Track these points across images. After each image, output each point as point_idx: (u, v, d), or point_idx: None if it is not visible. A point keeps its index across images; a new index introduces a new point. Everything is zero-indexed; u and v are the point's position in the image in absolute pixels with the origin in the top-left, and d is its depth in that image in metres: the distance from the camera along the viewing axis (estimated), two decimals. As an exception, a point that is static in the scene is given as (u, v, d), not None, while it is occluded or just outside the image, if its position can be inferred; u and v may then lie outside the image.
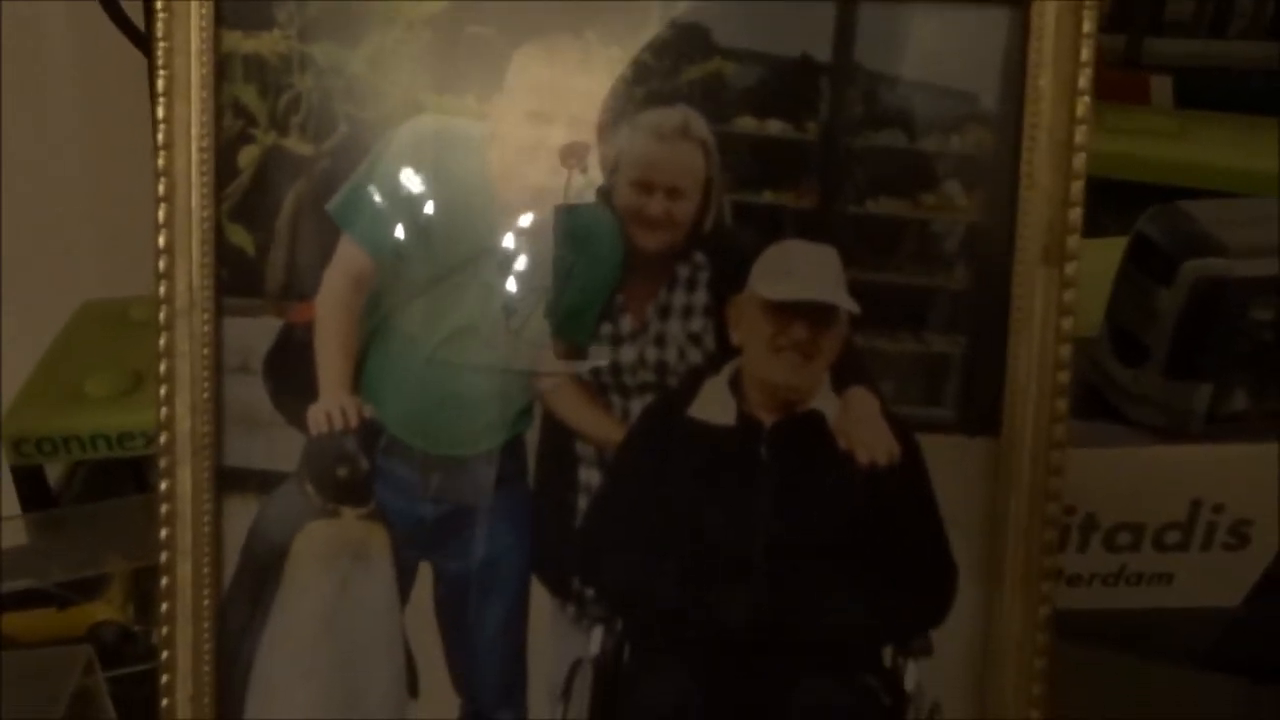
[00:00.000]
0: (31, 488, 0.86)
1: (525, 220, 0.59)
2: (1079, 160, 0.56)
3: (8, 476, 0.86)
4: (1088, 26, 0.55)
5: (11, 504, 0.86)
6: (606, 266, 0.59)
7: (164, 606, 0.61)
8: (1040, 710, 0.59)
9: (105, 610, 0.79)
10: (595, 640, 0.61)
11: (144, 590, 0.83)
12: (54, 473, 0.90)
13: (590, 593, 0.61)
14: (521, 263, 0.59)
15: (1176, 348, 0.74)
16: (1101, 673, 0.80)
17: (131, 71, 1.10)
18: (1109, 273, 0.82)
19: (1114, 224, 0.83)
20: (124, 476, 0.88)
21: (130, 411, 0.85)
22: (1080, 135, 0.56)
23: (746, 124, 0.58)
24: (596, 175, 0.58)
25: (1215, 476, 0.77)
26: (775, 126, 0.58)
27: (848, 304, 0.58)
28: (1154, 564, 0.80)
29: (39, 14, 1.14)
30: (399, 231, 0.59)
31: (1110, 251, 0.82)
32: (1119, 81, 1.34)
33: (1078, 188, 0.57)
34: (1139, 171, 1.21)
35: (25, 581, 0.77)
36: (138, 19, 1.10)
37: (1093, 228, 0.86)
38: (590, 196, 0.58)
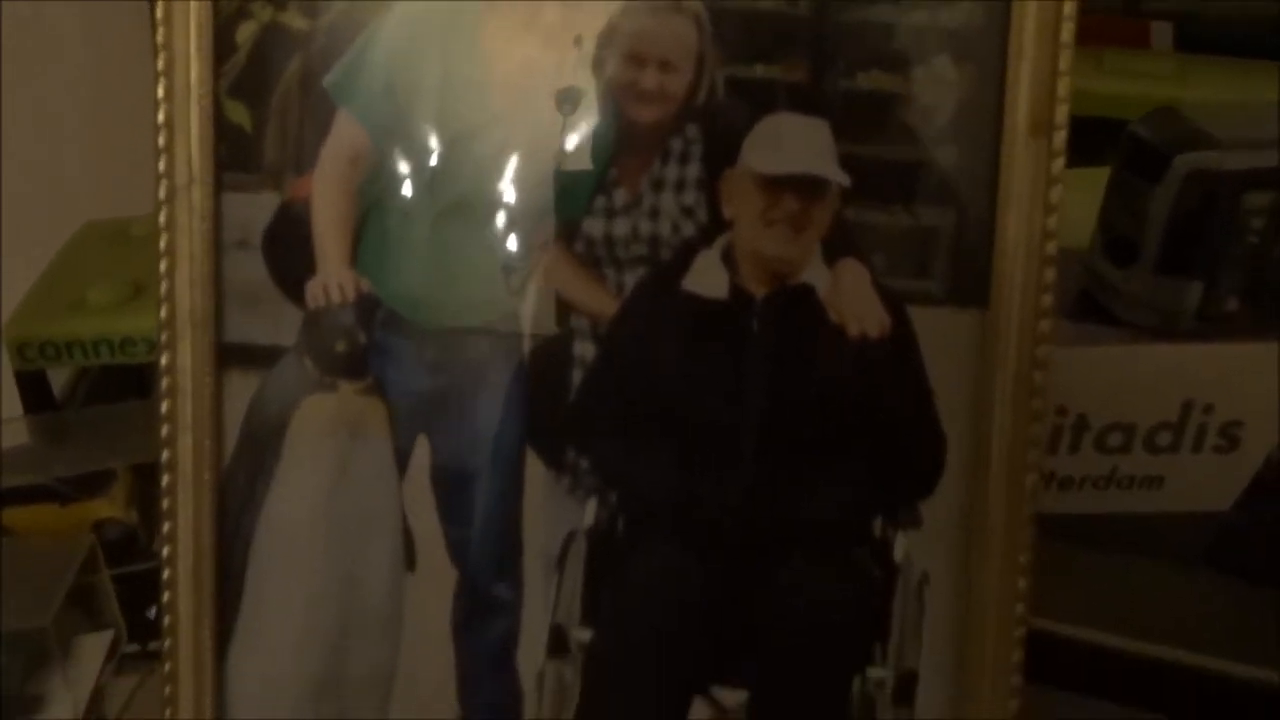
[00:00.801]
0: (35, 393, 0.87)
1: (521, 95, 0.60)
2: (1067, 30, 0.57)
3: (12, 383, 0.87)
4: (1077, -106, 0.56)
5: (15, 410, 0.87)
6: (600, 139, 0.59)
7: (165, 480, 0.63)
8: (1027, 578, 0.60)
9: (108, 508, 0.80)
10: (589, 512, 0.62)
11: (147, 492, 0.84)
12: (58, 381, 0.92)
13: (584, 464, 0.62)
14: (517, 138, 0.60)
15: (1167, 245, 0.74)
16: (1094, 573, 0.81)
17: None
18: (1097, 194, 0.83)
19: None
20: (127, 384, 0.89)
21: (131, 318, 0.86)
22: (1069, 6, 0.57)
23: (739, -4, 0.59)
24: (590, 48, 0.59)
25: (1206, 377, 0.78)
26: (767, 0, 0.59)
27: (839, 177, 0.58)
28: (1145, 466, 0.81)
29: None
30: (394, 107, 0.60)
31: (1101, 178, 0.83)
32: (1120, 28, 1.35)
33: (1066, 58, 0.57)
34: (1137, 113, 1.21)
35: (27, 477, 0.79)
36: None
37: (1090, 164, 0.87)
38: (585, 73, 0.59)
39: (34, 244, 0.99)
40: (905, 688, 0.62)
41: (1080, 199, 0.84)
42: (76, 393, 0.93)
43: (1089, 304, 0.82)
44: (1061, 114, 0.57)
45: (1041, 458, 0.60)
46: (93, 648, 0.75)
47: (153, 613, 0.79)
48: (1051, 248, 0.58)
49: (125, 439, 0.82)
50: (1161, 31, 1.34)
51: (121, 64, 1.09)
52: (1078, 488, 0.82)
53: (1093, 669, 0.77)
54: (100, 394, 0.91)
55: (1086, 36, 1.55)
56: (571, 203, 0.60)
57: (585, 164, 0.60)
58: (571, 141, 0.60)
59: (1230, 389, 0.78)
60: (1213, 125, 0.74)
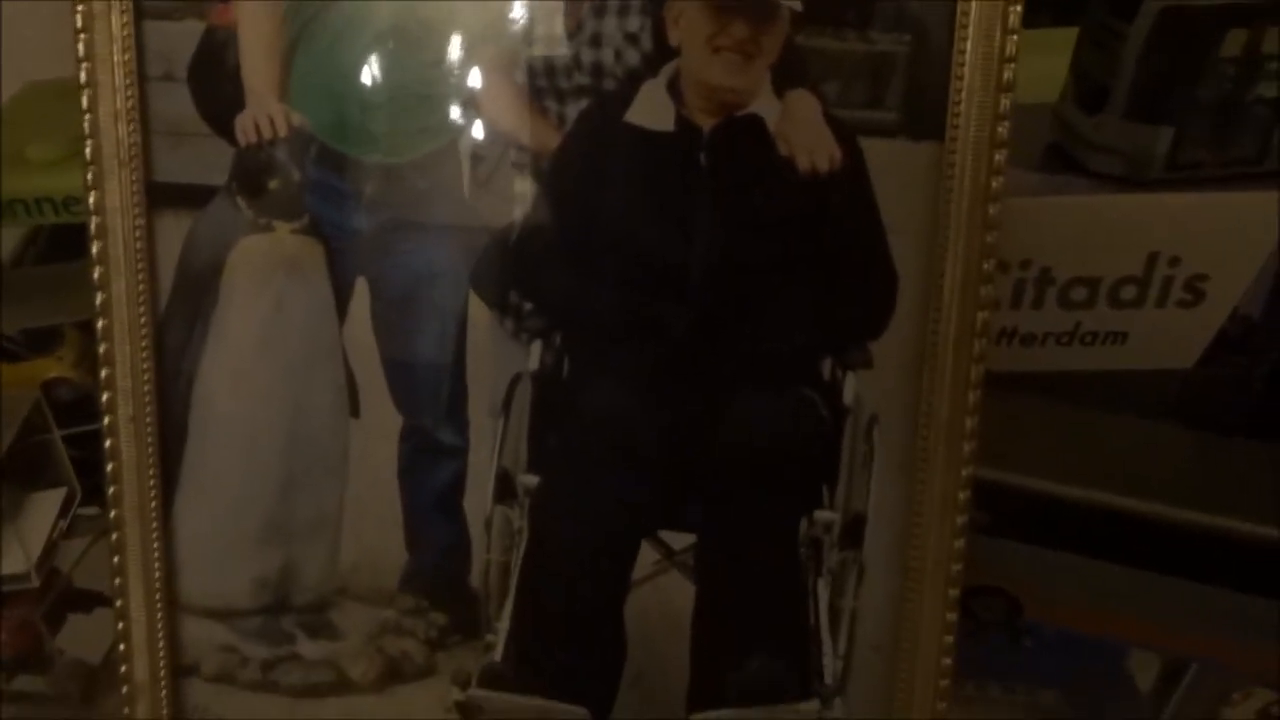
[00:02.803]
0: (-22, 254, 0.85)
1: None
2: None
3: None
4: None
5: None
6: None
7: (100, 324, 0.61)
8: (975, 416, 0.60)
9: (57, 367, 0.79)
10: (534, 355, 0.61)
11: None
12: (9, 244, 0.89)
13: (528, 306, 0.61)
14: (449, -47, 0.57)
15: (1138, 88, 0.72)
16: (1060, 425, 0.81)
17: None
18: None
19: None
20: (77, 247, 0.87)
21: (74, 175, 0.82)
22: None
23: None
24: None
25: (1173, 227, 0.76)
26: None
27: (790, 0, 0.56)
28: (1108, 321, 0.80)
29: None
30: (322, -77, 0.57)
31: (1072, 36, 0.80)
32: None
33: None
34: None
35: (-30, 335, 0.77)
36: None
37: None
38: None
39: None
40: (854, 530, 0.62)
41: (1054, 60, 0.82)
42: (26, 255, 0.90)
43: (1059, 156, 0.80)
44: (1023, -72, 0.55)
45: (993, 294, 0.59)
46: (45, 505, 0.75)
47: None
48: (1009, 74, 0.56)
49: (74, 298, 0.80)
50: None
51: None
52: (1040, 344, 0.81)
53: (1056, 521, 0.77)
54: (51, 256, 0.89)
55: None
56: (506, 25, 0.57)
57: (523, -13, 0.57)
58: (509, -39, 0.57)
59: (1197, 241, 0.77)
60: (1190, -39, 0.71)
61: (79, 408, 0.81)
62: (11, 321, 0.78)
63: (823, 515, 0.61)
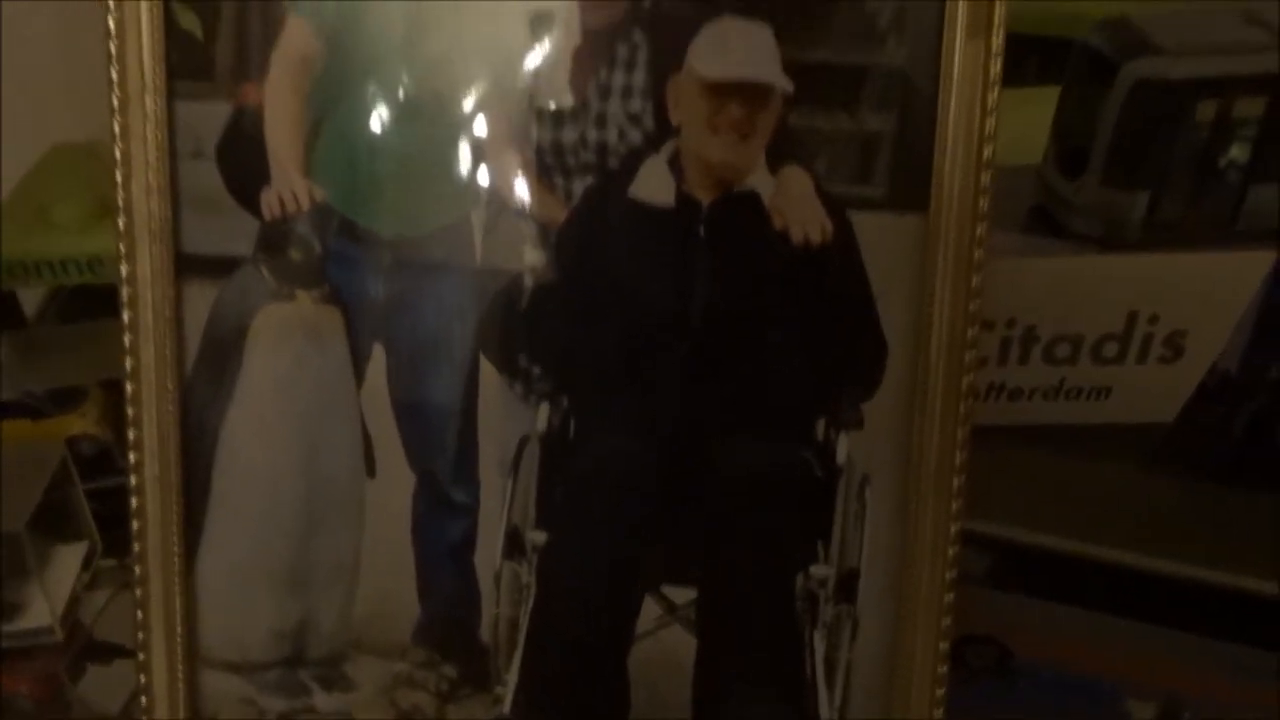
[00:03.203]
0: (5, 312, 0.88)
1: None
2: (1005, -69, 0.57)
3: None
4: None
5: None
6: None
7: (129, 388, 0.64)
8: (963, 475, 0.62)
9: (80, 424, 0.82)
10: (542, 417, 0.64)
11: (120, 409, 0.85)
12: (31, 302, 0.93)
13: (536, 370, 0.64)
14: (465, 42, 0.60)
15: (1115, 154, 0.76)
16: (1048, 476, 0.84)
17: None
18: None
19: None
20: (99, 304, 0.90)
21: (99, 237, 0.86)
22: (1006, -93, 0.57)
23: (682, -102, 0.59)
24: (536, -43, 0.59)
25: (1151, 287, 0.79)
26: (711, -97, 0.59)
27: (783, 82, 0.59)
28: (1092, 377, 0.83)
29: None
30: (344, 9, 0.60)
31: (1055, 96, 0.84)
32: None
33: (1005, -41, 0.58)
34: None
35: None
36: None
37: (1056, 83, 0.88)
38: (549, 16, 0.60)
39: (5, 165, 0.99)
40: (848, 584, 0.64)
41: (1038, 117, 0.85)
42: (48, 312, 0.94)
43: (1042, 217, 0.83)
44: (999, 15, 0.58)
45: (977, 358, 0.62)
46: (68, 559, 0.77)
47: (122, 528, 0.82)
48: (989, 151, 0.60)
49: (97, 356, 0.83)
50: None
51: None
52: (1027, 398, 0.84)
53: (1044, 572, 0.80)
54: (72, 314, 0.92)
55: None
56: (520, 107, 0.61)
57: (533, 69, 0.61)
58: (521, 45, 0.60)
59: (1175, 299, 0.80)
60: (1161, 33, 0.75)
61: (100, 462, 0.84)
62: (37, 379, 0.81)
63: (818, 570, 0.64)
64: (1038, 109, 0.86)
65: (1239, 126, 0.76)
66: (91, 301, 0.91)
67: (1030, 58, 1.24)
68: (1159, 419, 0.86)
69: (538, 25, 0.60)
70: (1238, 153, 0.77)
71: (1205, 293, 0.80)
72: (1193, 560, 0.77)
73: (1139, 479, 0.85)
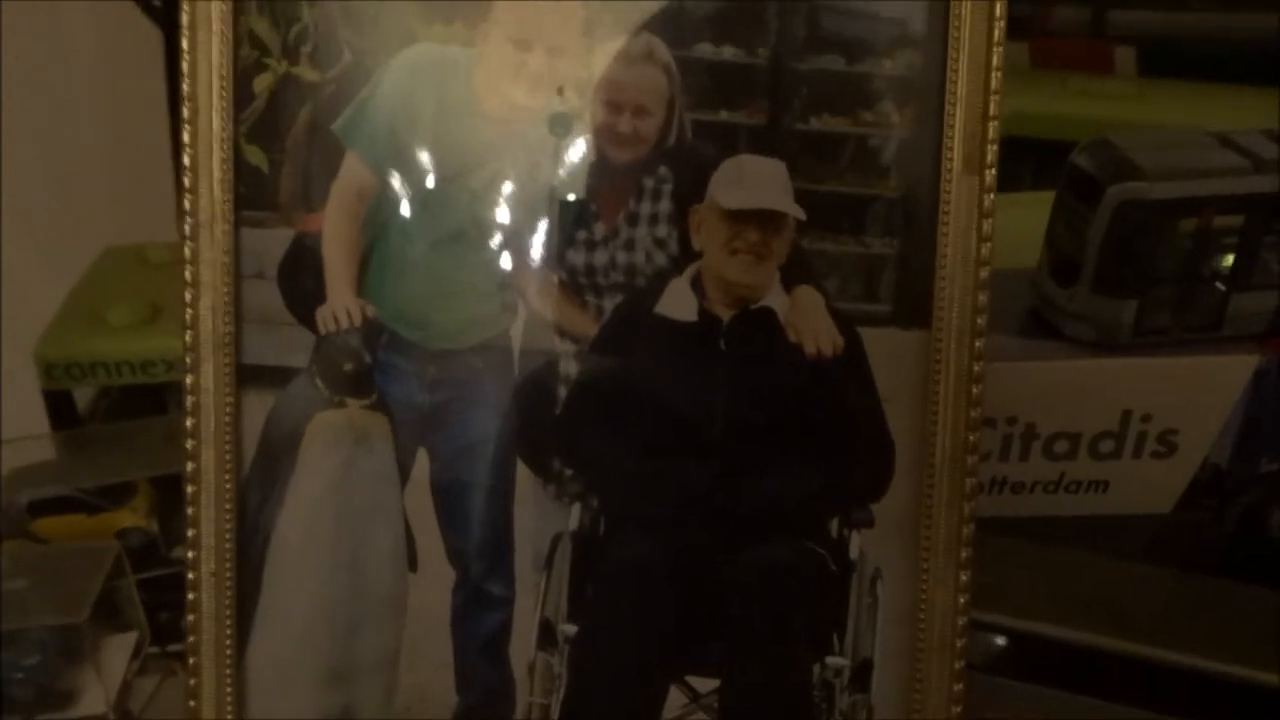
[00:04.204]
0: (61, 411, 0.94)
1: (509, 136, 0.67)
2: (997, 79, 0.64)
3: (40, 401, 0.93)
4: (1002, -40, 0.63)
5: (42, 426, 0.94)
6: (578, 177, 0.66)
7: (189, 490, 0.69)
8: (969, 571, 0.67)
9: (131, 517, 0.87)
10: (574, 516, 0.68)
11: (165, 502, 0.90)
12: (82, 399, 0.98)
13: (569, 473, 0.68)
14: (506, 175, 0.66)
15: (1103, 267, 0.81)
16: (1043, 567, 0.88)
17: (148, 42, 1.18)
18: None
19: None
20: (146, 402, 0.96)
21: (151, 340, 0.92)
22: (997, 57, 0.64)
23: (704, 49, 0.66)
24: (573, 98, 0.66)
25: (1143, 388, 0.85)
26: (729, 52, 0.66)
27: (795, 211, 0.65)
28: (1090, 471, 0.88)
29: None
30: (396, 148, 0.67)
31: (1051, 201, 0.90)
32: (1085, 52, 1.42)
33: (995, 103, 0.64)
34: (1098, 133, 1.28)
35: (57, 488, 0.85)
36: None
37: (1054, 185, 0.94)
38: (567, 117, 0.66)
39: (52, 265, 1.05)
40: (862, 675, 0.68)
41: (1034, 221, 0.91)
42: (98, 409, 0.99)
43: (1037, 321, 0.89)
44: (992, 154, 0.64)
45: (980, 463, 0.67)
46: (119, 647, 0.81)
47: (166, 616, 0.86)
48: (985, 274, 0.65)
49: (145, 452, 0.88)
50: (1125, 56, 1.41)
51: (136, 97, 1.17)
52: (1029, 491, 0.89)
53: (1046, 660, 0.83)
54: (121, 410, 0.97)
55: (1053, 60, 1.62)
56: (556, 233, 0.67)
57: (568, 199, 0.67)
58: (556, 178, 0.66)
59: (1167, 399, 0.85)
60: (1143, 156, 0.81)
61: (146, 552, 0.89)
62: (92, 477, 0.86)
63: (834, 661, 0.67)
64: (1033, 212, 0.92)
65: (1219, 241, 0.82)
66: (139, 400, 0.97)
67: (1026, 159, 1.31)
68: (1155, 510, 0.90)
69: (555, 125, 0.66)
70: (1219, 264, 0.83)
71: (1194, 393, 0.85)
72: (1190, 649, 0.81)
73: (1137, 569, 0.89)
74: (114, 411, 0.98)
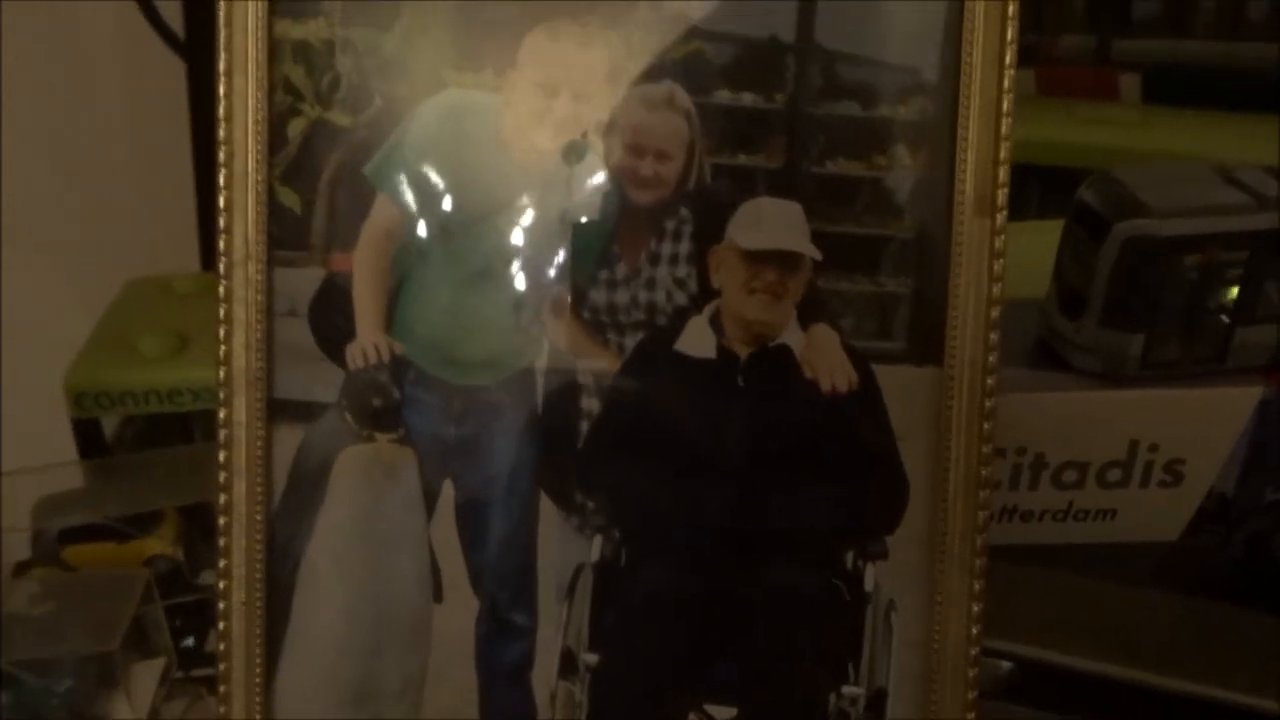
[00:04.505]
0: (89, 439, 0.96)
1: (535, 179, 0.69)
2: (1007, 124, 0.66)
3: (68, 429, 0.95)
4: (1011, 10, 0.65)
5: (71, 453, 0.96)
6: (603, 215, 0.68)
7: (221, 521, 0.71)
8: (980, 602, 0.68)
9: (159, 545, 0.89)
10: (596, 547, 0.70)
11: (192, 531, 0.92)
12: (109, 426, 1.00)
13: (591, 505, 0.70)
14: (531, 216, 0.69)
15: (1110, 301, 0.83)
16: (1052, 593, 0.89)
17: (171, 74, 1.21)
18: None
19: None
20: (172, 431, 0.98)
21: (179, 370, 0.94)
22: (1008, 103, 0.66)
23: (723, 96, 0.68)
24: (597, 143, 0.68)
25: (1150, 419, 0.86)
26: (748, 98, 0.68)
27: (811, 251, 0.67)
28: (1098, 500, 0.89)
29: (85, 16, 1.24)
30: (425, 190, 0.69)
31: (1059, 230, 0.92)
32: (1090, 80, 1.44)
33: (1006, 149, 0.66)
34: (1105, 161, 1.30)
35: (87, 516, 0.87)
36: (175, 25, 1.21)
37: (1062, 214, 0.96)
38: (592, 160, 0.68)
39: (78, 295, 1.08)
40: (876, 703, 0.70)
41: (1046, 249, 0.93)
42: (125, 437, 1.01)
43: (1045, 352, 0.91)
44: (1002, 197, 0.66)
45: (991, 496, 0.68)
46: (147, 674, 0.83)
47: (190, 642, 0.88)
48: (996, 313, 0.67)
49: (172, 481, 0.90)
50: (1130, 83, 1.43)
51: (164, 138, 1.19)
52: (1038, 520, 0.90)
53: (1048, 686, 0.85)
54: (147, 438, 0.99)
55: (1059, 87, 1.64)
56: (579, 270, 0.69)
57: (590, 240, 0.69)
58: (579, 219, 0.69)
59: (1173, 430, 0.87)
60: (1148, 193, 0.83)
61: (172, 579, 0.90)
62: (122, 505, 0.88)
63: (849, 690, 0.69)
64: (1039, 240, 0.94)
65: (1223, 275, 0.84)
66: (165, 428, 0.99)
67: (1032, 186, 1.33)
68: (1162, 538, 0.92)
69: (569, 153, 0.68)
70: (1224, 298, 0.85)
71: (1200, 423, 0.86)
72: (1197, 676, 0.82)
73: (1144, 596, 0.90)
74: (140, 439, 0.99)
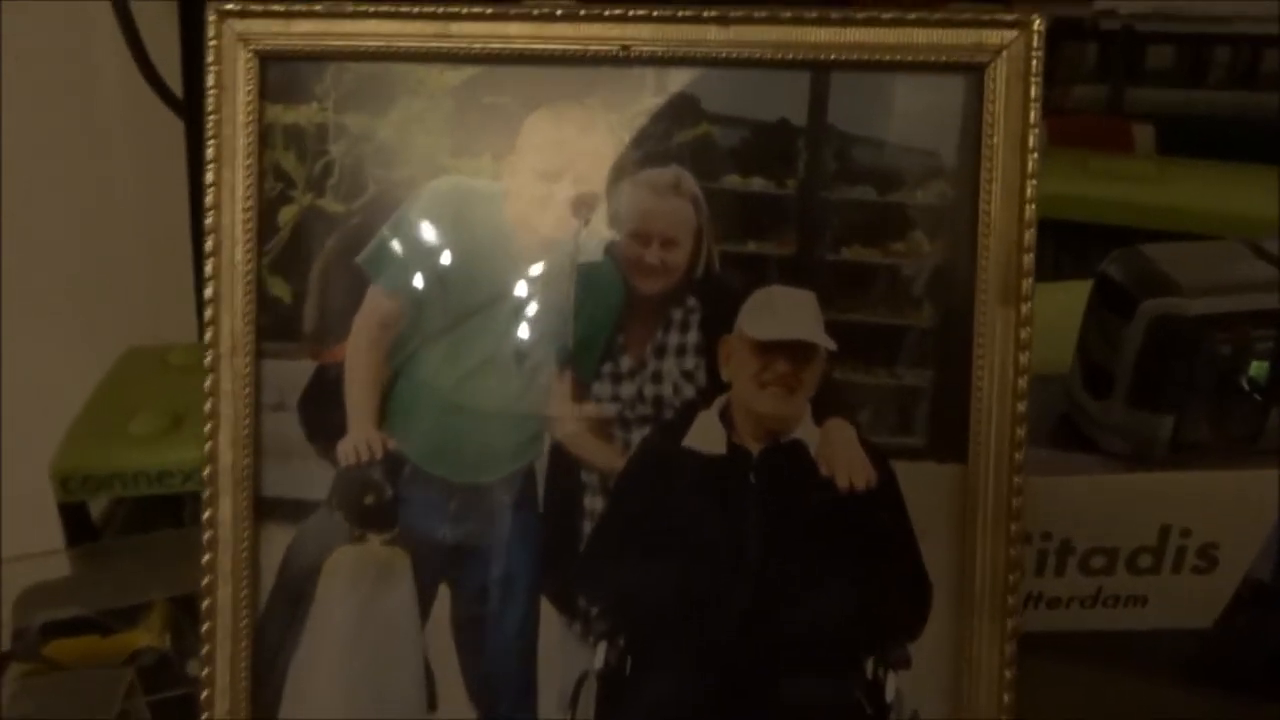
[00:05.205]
0: (76, 523, 0.92)
1: (537, 268, 0.66)
2: (1030, 210, 0.63)
3: (55, 512, 0.92)
4: (1034, 92, 0.62)
5: (57, 538, 0.92)
6: (608, 307, 0.65)
7: (205, 626, 0.67)
8: (1010, 715, 0.64)
9: (145, 637, 0.85)
10: (600, 654, 0.66)
11: (181, 619, 0.88)
12: (96, 508, 0.96)
13: (595, 610, 0.66)
14: (533, 307, 0.65)
15: (1138, 381, 0.79)
16: (1081, 687, 0.85)
17: (172, 133, 1.19)
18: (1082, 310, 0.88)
19: (1097, 266, 0.88)
20: (162, 512, 0.94)
21: (170, 450, 0.91)
22: (1030, 188, 0.63)
23: (732, 181, 0.65)
24: (602, 227, 0.65)
25: (1182, 502, 0.82)
26: (758, 183, 0.65)
27: (826, 342, 0.64)
28: (1129, 586, 0.85)
29: (90, 76, 1.23)
30: (422, 280, 0.66)
31: (1085, 292, 0.89)
32: (1103, 130, 1.41)
33: (1030, 235, 0.63)
34: (1121, 215, 1.27)
35: (71, 610, 0.83)
36: (175, 85, 1.19)
37: (1077, 269, 0.93)
38: (597, 246, 0.65)
39: (81, 366, 1.05)
40: (901, 817, 0.65)
41: (1066, 308, 0.89)
42: (114, 519, 0.97)
43: (1070, 430, 0.87)
44: (1028, 286, 0.63)
45: (1019, 602, 0.64)
46: (130, 773, 0.79)
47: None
48: (1023, 407, 0.64)
49: (162, 569, 0.86)
50: (1144, 133, 1.41)
51: (164, 198, 1.17)
52: (1065, 607, 0.86)
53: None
54: (137, 520, 0.96)
55: (1070, 137, 1.62)
56: (583, 366, 0.66)
57: (594, 331, 0.66)
58: (582, 309, 0.65)
59: (1205, 513, 0.83)
60: (1175, 269, 0.80)
61: (158, 670, 0.86)
62: (108, 597, 0.84)
63: (871, 806, 0.65)
64: (1059, 302, 0.90)
65: (1256, 353, 0.80)
66: (156, 509, 0.95)
67: (1048, 242, 1.31)
68: (1196, 625, 0.87)
69: (579, 207, 0.65)
70: (1257, 376, 0.81)
71: (1234, 508, 0.82)
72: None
73: (1179, 688, 0.86)
74: (130, 521, 0.96)
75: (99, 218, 1.28)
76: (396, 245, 0.66)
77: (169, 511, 0.95)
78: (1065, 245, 1.29)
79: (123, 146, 1.24)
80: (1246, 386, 0.81)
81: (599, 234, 0.65)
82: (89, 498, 0.91)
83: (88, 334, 1.11)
